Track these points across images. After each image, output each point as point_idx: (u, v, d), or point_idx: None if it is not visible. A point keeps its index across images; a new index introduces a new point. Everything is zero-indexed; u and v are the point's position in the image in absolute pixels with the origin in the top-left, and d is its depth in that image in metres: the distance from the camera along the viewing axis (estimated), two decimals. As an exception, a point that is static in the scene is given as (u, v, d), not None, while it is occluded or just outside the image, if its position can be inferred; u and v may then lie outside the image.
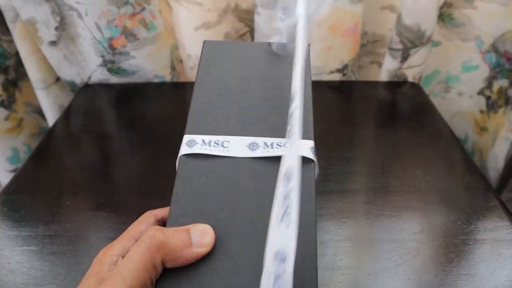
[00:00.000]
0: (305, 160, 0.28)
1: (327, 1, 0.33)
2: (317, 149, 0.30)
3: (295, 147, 0.22)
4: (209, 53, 0.35)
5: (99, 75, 0.65)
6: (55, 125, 0.57)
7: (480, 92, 0.68)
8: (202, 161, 0.27)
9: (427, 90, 0.69)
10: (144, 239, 0.23)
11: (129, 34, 0.60)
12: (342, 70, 0.64)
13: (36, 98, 0.68)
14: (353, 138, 0.51)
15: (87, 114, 0.60)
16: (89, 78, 0.66)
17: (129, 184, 0.46)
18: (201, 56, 0.35)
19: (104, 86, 0.65)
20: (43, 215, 0.42)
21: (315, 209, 0.26)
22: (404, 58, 0.61)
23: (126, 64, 0.63)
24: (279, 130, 0.28)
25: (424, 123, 0.55)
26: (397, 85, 0.64)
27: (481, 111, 0.68)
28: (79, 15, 0.57)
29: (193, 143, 0.27)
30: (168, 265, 0.23)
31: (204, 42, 0.36)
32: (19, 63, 0.66)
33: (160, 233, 0.23)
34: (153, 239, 0.23)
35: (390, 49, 0.61)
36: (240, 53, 0.35)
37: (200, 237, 0.24)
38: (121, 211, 0.42)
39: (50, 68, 0.64)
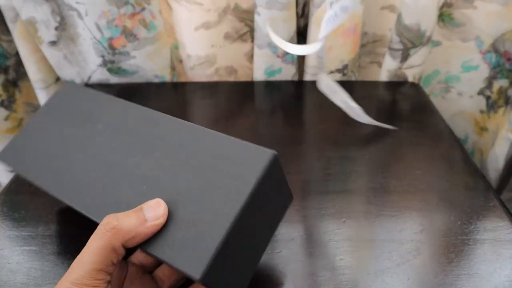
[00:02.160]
0: None
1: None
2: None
3: None
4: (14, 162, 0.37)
5: (99, 75, 0.65)
6: (55, 125, 0.57)
7: (480, 92, 0.68)
8: None
9: (427, 90, 0.69)
10: (99, 227, 0.25)
11: (129, 34, 0.60)
12: (342, 70, 0.64)
13: (36, 98, 0.68)
14: (353, 138, 0.51)
15: (87, 114, 0.60)
16: (89, 78, 0.66)
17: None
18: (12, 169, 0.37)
19: (104, 86, 0.65)
20: (43, 215, 0.42)
21: None
22: (404, 58, 0.61)
23: (126, 64, 0.63)
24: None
25: (424, 123, 0.55)
26: (397, 85, 0.64)
27: (481, 111, 0.69)
28: (79, 15, 0.57)
29: None
30: (130, 245, 0.25)
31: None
32: (19, 63, 0.66)
33: (113, 218, 0.25)
34: (107, 225, 0.25)
35: (390, 49, 0.61)
36: (30, 135, 0.37)
37: (152, 211, 0.26)
38: (121, 211, 0.42)
39: (50, 68, 0.64)
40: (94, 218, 0.29)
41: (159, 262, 0.32)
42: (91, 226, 0.41)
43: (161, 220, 0.25)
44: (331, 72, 0.64)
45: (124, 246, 0.25)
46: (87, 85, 0.66)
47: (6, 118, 0.67)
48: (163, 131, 0.31)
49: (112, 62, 0.63)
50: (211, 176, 0.27)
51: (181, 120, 0.32)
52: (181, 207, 0.26)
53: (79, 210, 0.30)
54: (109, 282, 0.25)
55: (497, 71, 0.64)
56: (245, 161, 0.27)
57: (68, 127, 0.36)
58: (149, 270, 0.31)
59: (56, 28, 0.59)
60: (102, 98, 0.37)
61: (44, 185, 0.33)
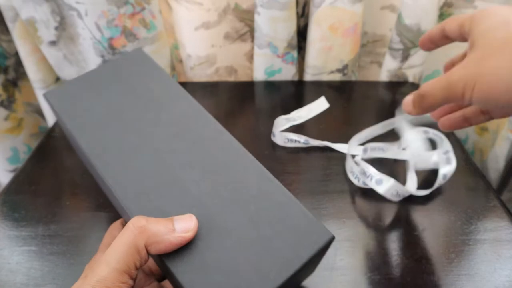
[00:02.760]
0: None
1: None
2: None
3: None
4: (60, 104, 0.33)
5: (99, 75, 0.65)
6: (55, 125, 0.57)
7: (480, 92, 0.68)
8: None
9: (427, 90, 0.69)
10: (127, 225, 0.24)
11: (129, 34, 0.60)
12: (342, 70, 0.64)
13: (36, 98, 0.68)
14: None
15: (87, 114, 0.60)
16: (89, 78, 0.66)
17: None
18: (56, 108, 0.33)
19: (104, 86, 0.65)
20: (43, 215, 0.42)
21: None
22: (404, 58, 0.61)
23: (126, 64, 0.63)
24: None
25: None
26: (397, 85, 0.64)
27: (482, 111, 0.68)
28: (79, 15, 0.57)
29: None
30: (153, 250, 0.24)
31: (45, 95, 0.34)
32: (18, 63, 0.66)
33: (142, 218, 0.24)
34: (135, 223, 0.24)
35: (390, 49, 0.61)
36: (87, 87, 0.34)
37: (183, 223, 0.25)
38: (121, 211, 0.42)
39: (50, 68, 0.64)
40: (121, 200, 0.27)
41: None
42: (91, 226, 0.41)
43: (190, 234, 0.25)
44: (331, 72, 0.64)
45: (147, 249, 0.24)
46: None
47: (6, 118, 0.67)
48: (231, 156, 0.29)
49: (112, 62, 0.63)
50: (265, 231, 0.26)
51: (250, 156, 0.30)
52: (223, 247, 0.25)
53: (111, 185, 0.28)
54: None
55: (497, 71, 0.64)
56: (304, 232, 0.25)
57: (129, 100, 0.33)
58: (157, 278, 0.31)
59: (56, 28, 0.59)
60: (172, 86, 0.34)
61: (82, 142, 0.30)
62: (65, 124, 0.31)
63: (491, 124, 0.67)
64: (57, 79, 0.66)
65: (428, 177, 0.45)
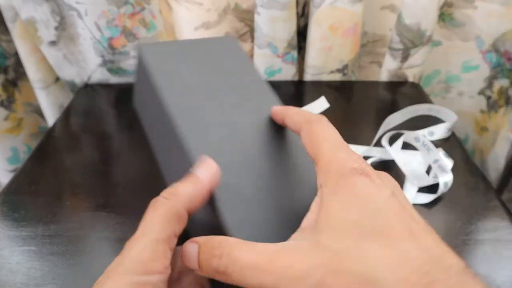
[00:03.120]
0: None
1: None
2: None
3: None
4: (152, 57, 0.33)
5: (99, 75, 0.65)
6: (54, 125, 0.57)
7: (481, 92, 0.68)
8: None
9: (427, 90, 0.69)
10: (157, 198, 0.23)
11: (129, 34, 0.60)
12: (342, 70, 0.64)
13: (35, 98, 0.68)
14: (353, 138, 0.51)
15: (87, 114, 0.60)
16: (89, 78, 0.66)
17: (129, 184, 0.46)
18: (146, 62, 0.33)
19: (104, 86, 0.65)
20: (43, 215, 0.42)
21: None
22: (404, 58, 0.61)
23: (126, 64, 0.63)
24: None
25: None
26: (397, 85, 0.64)
27: (482, 111, 0.68)
28: (79, 15, 0.57)
29: None
30: (194, 208, 0.23)
31: (139, 47, 0.34)
32: (18, 63, 0.66)
33: (168, 188, 0.24)
34: (165, 193, 0.23)
35: (390, 49, 0.61)
36: (181, 52, 0.35)
37: (202, 169, 0.24)
38: (121, 211, 0.42)
39: (49, 68, 0.64)
40: (190, 146, 0.27)
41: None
42: (91, 226, 0.41)
43: (215, 170, 0.24)
44: (331, 72, 0.64)
45: (188, 212, 0.23)
46: (87, 85, 0.66)
47: (6, 118, 0.67)
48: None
49: (112, 62, 0.63)
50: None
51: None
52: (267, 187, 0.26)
53: (182, 128, 0.28)
54: (169, 265, 0.22)
55: (497, 71, 0.64)
56: None
57: (212, 72, 0.34)
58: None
59: (56, 28, 0.59)
60: (252, 71, 0.36)
61: (167, 98, 0.30)
62: (151, 77, 0.32)
63: (491, 124, 0.67)
64: (57, 79, 0.66)
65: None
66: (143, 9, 0.58)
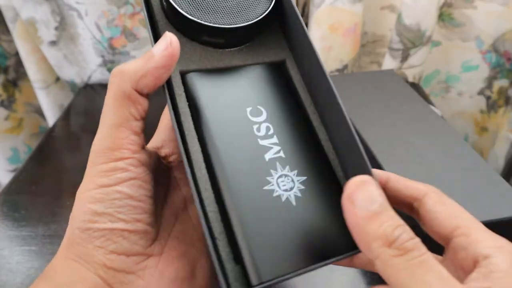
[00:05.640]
0: None
1: None
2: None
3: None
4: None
5: (99, 75, 0.65)
6: (55, 125, 0.57)
7: (480, 92, 0.68)
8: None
9: (427, 90, 0.69)
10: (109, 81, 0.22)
11: (129, 34, 0.60)
12: (342, 70, 0.64)
13: (36, 98, 0.68)
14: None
15: (87, 114, 0.60)
16: (89, 78, 0.66)
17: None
18: None
19: (104, 86, 0.65)
20: (43, 215, 0.42)
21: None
22: (404, 58, 0.61)
23: (126, 64, 0.63)
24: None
25: (424, 123, 0.55)
26: (397, 85, 0.64)
27: (481, 111, 0.69)
28: (79, 15, 0.57)
29: None
30: (143, 86, 0.21)
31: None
32: (19, 63, 0.66)
33: (118, 66, 0.22)
34: (112, 72, 0.22)
35: (390, 49, 0.61)
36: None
37: (159, 44, 0.22)
38: (121, 211, 0.42)
39: (50, 68, 0.64)
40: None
41: None
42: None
43: (171, 48, 0.21)
44: (331, 72, 0.64)
45: (137, 90, 0.21)
46: (87, 85, 0.66)
47: (6, 118, 0.67)
48: None
49: (112, 62, 0.63)
50: None
51: None
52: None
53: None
54: (138, 148, 0.21)
55: (497, 71, 0.64)
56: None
57: None
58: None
59: (56, 28, 0.59)
60: None
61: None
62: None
63: (491, 124, 0.67)
64: (57, 79, 0.67)
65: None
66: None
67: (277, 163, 0.22)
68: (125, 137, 0.21)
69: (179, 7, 0.24)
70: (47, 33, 0.58)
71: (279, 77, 0.26)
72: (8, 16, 0.57)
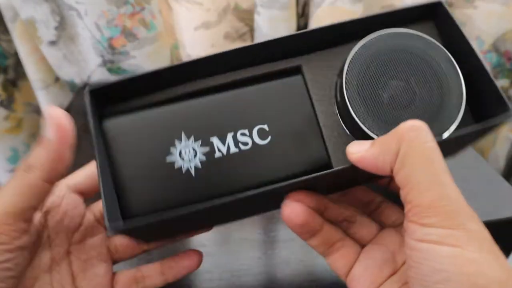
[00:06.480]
0: None
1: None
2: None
3: None
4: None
5: (99, 75, 0.65)
6: (54, 125, 0.57)
7: (481, 92, 0.68)
8: None
9: (427, 90, 0.69)
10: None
11: (129, 34, 0.60)
12: (342, 70, 0.64)
13: (35, 98, 0.68)
14: (353, 138, 0.51)
15: (87, 114, 0.60)
16: (89, 78, 0.66)
17: (129, 184, 0.46)
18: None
19: (103, 86, 0.65)
20: (42, 215, 0.42)
21: None
22: (404, 58, 0.61)
23: (126, 64, 0.63)
24: None
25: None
26: (397, 85, 0.64)
27: (482, 111, 0.68)
28: (79, 15, 0.57)
29: None
30: (56, 173, 0.22)
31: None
32: (18, 63, 0.66)
33: (26, 159, 0.23)
34: (22, 165, 0.22)
35: (390, 49, 0.61)
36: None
37: (52, 124, 0.23)
38: (121, 211, 0.42)
39: (49, 68, 0.64)
40: None
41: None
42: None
43: (62, 125, 0.23)
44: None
45: (50, 180, 0.23)
46: (87, 85, 0.66)
47: (6, 118, 0.66)
48: None
49: (112, 62, 0.63)
50: None
51: None
52: None
53: None
54: (24, 237, 0.22)
55: (497, 71, 0.64)
56: None
57: None
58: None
59: (56, 28, 0.59)
60: None
61: None
62: None
63: (491, 124, 0.67)
64: (57, 79, 0.66)
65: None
66: (143, 9, 0.58)
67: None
68: (15, 225, 0.21)
69: (358, 118, 0.24)
70: (47, 33, 0.58)
71: None
72: (7, 16, 0.57)
